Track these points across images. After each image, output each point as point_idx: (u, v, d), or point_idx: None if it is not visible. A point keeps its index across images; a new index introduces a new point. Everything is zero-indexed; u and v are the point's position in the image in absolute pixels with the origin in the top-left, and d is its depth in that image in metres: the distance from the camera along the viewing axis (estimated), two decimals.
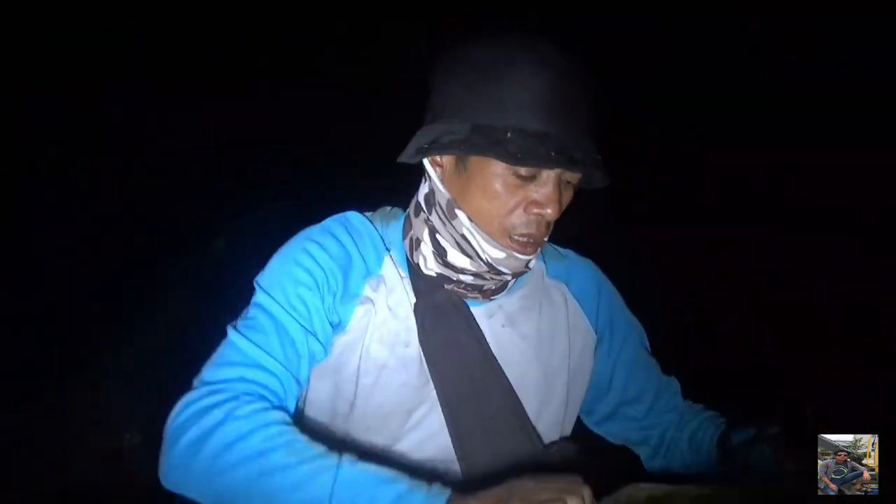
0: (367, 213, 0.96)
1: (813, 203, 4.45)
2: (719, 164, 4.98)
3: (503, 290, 0.92)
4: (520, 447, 0.87)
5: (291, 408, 0.82)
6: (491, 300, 0.91)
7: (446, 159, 0.84)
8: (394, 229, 0.94)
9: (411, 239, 0.90)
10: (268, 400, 0.76)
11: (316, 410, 0.91)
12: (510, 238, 0.81)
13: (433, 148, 0.79)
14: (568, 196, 0.83)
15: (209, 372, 0.79)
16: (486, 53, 0.78)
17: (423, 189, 0.88)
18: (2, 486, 1.98)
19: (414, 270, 0.89)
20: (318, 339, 0.84)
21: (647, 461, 1.12)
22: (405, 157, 0.82)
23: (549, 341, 0.94)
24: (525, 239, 0.81)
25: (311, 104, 5.34)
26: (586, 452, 0.92)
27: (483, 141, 0.74)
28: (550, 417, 0.95)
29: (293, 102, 5.42)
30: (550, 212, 0.79)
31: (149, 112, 5.22)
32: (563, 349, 0.95)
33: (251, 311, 0.85)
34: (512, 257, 0.82)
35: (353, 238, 0.89)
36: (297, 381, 0.83)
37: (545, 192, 0.78)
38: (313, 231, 0.90)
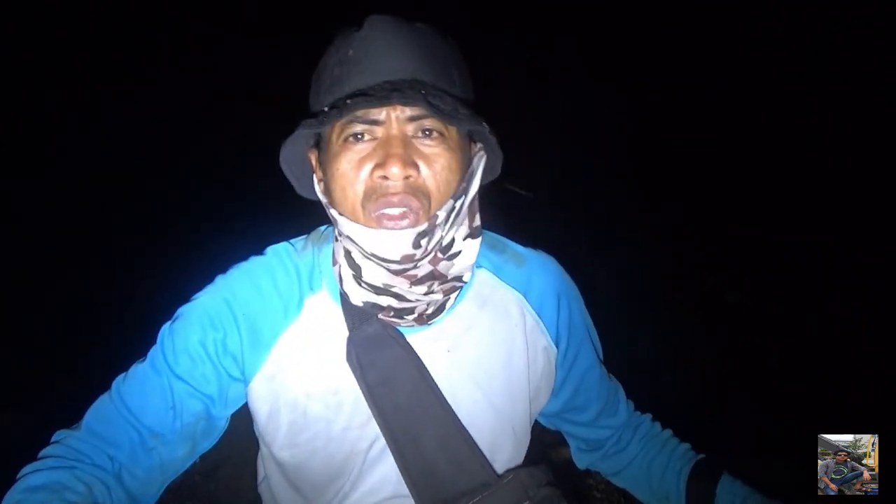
0: (299, 240, 0.90)
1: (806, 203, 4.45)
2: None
3: (442, 312, 0.84)
4: (472, 478, 0.82)
5: (148, 461, 0.80)
6: (429, 325, 0.84)
7: (318, 172, 0.81)
8: (326, 254, 0.87)
9: (338, 267, 0.83)
10: (93, 461, 0.77)
11: (282, 472, 0.89)
12: (371, 217, 0.73)
13: (281, 154, 0.78)
14: (437, 153, 0.73)
15: (85, 417, 0.81)
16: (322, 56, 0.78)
17: None
18: (2, 486, 1.97)
19: (345, 301, 0.83)
20: (202, 394, 0.81)
21: (576, 453, 1.11)
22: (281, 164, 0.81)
23: (505, 361, 0.87)
24: (384, 210, 0.72)
25: None
26: (542, 478, 0.87)
27: (302, 126, 0.72)
28: (513, 439, 0.90)
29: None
30: (393, 170, 0.69)
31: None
32: (522, 368, 0.89)
33: (140, 360, 0.83)
34: (388, 239, 0.72)
35: (273, 279, 0.84)
36: (155, 433, 0.80)
37: (384, 151, 0.70)
38: (232, 276, 0.85)
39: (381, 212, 0.72)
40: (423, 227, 0.72)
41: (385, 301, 0.80)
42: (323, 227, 0.91)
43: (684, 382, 2.88)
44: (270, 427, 0.84)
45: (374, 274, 0.77)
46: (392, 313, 0.81)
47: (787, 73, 5.33)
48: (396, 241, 0.72)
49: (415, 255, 0.73)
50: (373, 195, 0.72)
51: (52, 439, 0.80)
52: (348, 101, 0.68)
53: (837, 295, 3.51)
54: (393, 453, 0.83)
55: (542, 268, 0.94)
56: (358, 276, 0.79)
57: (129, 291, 3.38)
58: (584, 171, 5.12)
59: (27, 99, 4.98)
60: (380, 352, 0.82)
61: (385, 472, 0.85)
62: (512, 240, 0.98)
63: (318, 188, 0.81)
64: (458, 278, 0.81)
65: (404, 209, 0.72)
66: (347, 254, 0.80)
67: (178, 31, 5.85)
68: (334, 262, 0.84)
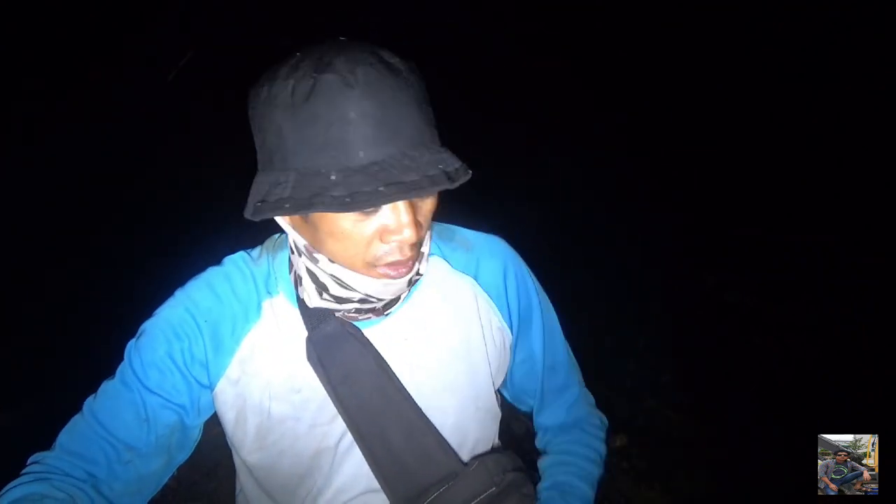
0: (255, 249, 0.91)
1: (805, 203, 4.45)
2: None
3: (398, 302, 0.86)
4: (440, 468, 0.84)
5: (125, 475, 0.82)
6: (387, 315, 0.86)
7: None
8: (281, 260, 0.88)
9: (295, 274, 0.84)
10: (69, 474, 0.78)
11: (252, 476, 0.90)
12: (377, 269, 0.74)
13: (266, 208, 0.70)
14: (430, 204, 0.75)
15: (58, 437, 0.82)
16: (287, 85, 0.68)
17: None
18: (1, 486, 1.97)
19: (302, 303, 0.85)
20: (174, 404, 0.82)
21: None
22: (248, 214, 0.73)
23: (463, 343, 0.90)
24: (394, 268, 0.74)
25: None
26: (507, 463, 0.89)
27: (307, 193, 0.66)
28: (478, 418, 0.92)
29: None
30: (408, 236, 0.70)
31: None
32: (480, 347, 0.91)
33: (110, 378, 0.85)
34: (388, 285, 0.76)
35: (232, 286, 0.85)
36: (130, 447, 0.81)
37: (395, 219, 0.70)
38: (191, 286, 0.86)
39: (392, 270, 0.74)
40: (417, 268, 0.77)
41: (349, 306, 0.82)
42: (277, 235, 0.92)
43: (684, 382, 2.88)
44: (239, 431, 0.86)
45: (346, 293, 0.79)
46: (352, 312, 0.83)
47: (787, 73, 5.34)
48: (394, 288, 0.77)
49: (407, 291, 0.79)
50: (382, 254, 0.73)
51: (28, 462, 0.81)
52: (381, 189, 0.64)
53: (837, 295, 3.51)
54: (361, 449, 0.85)
55: (489, 250, 0.96)
56: (324, 290, 0.81)
57: (130, 291, 3.39)
58: (583, 171, 5.12)
59: (27, 98, 4.98)
60: (339, 349, 0.84)
61: (356, 467, 0.86)
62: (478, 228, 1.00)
63: (283, 220, 0.79)
64: (416, 272, 0.83)
65: (411, 265, 0.76)
66: (310, 271, 0.80)
67: (178, 27, 5.86)
68: (290, 269, 0.86)
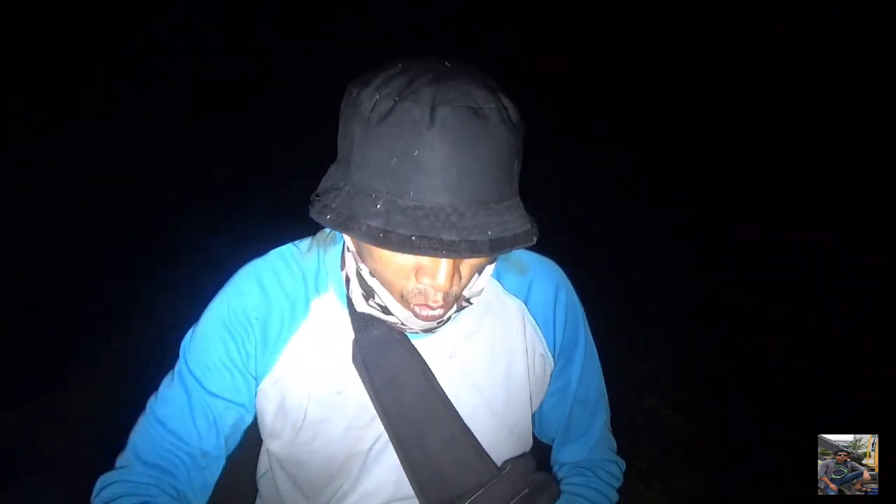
0: (304, 242, 0.89)
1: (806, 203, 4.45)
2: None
3: (446, 320, 0.83)
4: (477, 476, 0.85)
5: (201, 481, 0.84)
6: (434, 332, 0.84)
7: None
8: (332, 256, 0.87)
9: (346, 274, 0.83)
10: (162, 489, 0.80)
11: (282, 467, 0.92)
12: (408, 303, 0.73)
13: (316, 207, 0.68)
14: (477, 261, 0.73)
15: (126, 451, 0.83)
16: (371, 97, 0.65)
17: None
18: (2, 485, 1.97)
19: (352, 304, 0.84)
20: (236, 404, 0.83)
21: None
22: (312, 197, 0.72)
23: (505, 367, 0.89)
24: (421, 309, 0.73)
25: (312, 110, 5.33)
26: (533, 463, 0.90)
27: (348, 212, 0.65)
28: (511, 441, 0.91)
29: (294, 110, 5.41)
30: (440, 282, 0.68)
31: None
32: (522, 373, 0.90)
33: (169, 381, 0.85)
34: (414, 320, 0.75)
35: (279, 281, 0.85)
36: (205, 453, 0.83)
37: (432, 264, 0.69)
38: (238, 282, 0.86)
39: (417, 309, 0.74)
40: (449, 316, 0.77)
41: (393, 319, 0.80)
42: (328, 230, 0.89)
43: (684, 382, 2.88)
44: (277, 426, 0.86)
45: (387, 301, 0.79)
46: (397, 324, 0.82)
47: (787, 73, 5.34)
48: (424, 325, 0.77)
49: (438, 326, 0.80)
50: (413, 292, 0.72)
51: (111, 479, 0.81)
52: (413, 239, 0.62)
53: (837, 295, 3.51)
54: (398, 454, 0.84)
55: (543, 275, 0.94)
56: (370, 296, 0.80)
57: (130, 291, 3.39)
58: (583, 171, 5.12)
59: (27, 98, 4.98)
60: (386, 354, 0.83)
61: (384, 473, 0.86)
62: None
63: (348, 240, 0.79)
64: (468, 300, 0.82)
65: (441, 312, 0.74)
66: (359, 275, 0.79)
67: (177, 28, 5.85)
68: (342, 267, 0.84)
